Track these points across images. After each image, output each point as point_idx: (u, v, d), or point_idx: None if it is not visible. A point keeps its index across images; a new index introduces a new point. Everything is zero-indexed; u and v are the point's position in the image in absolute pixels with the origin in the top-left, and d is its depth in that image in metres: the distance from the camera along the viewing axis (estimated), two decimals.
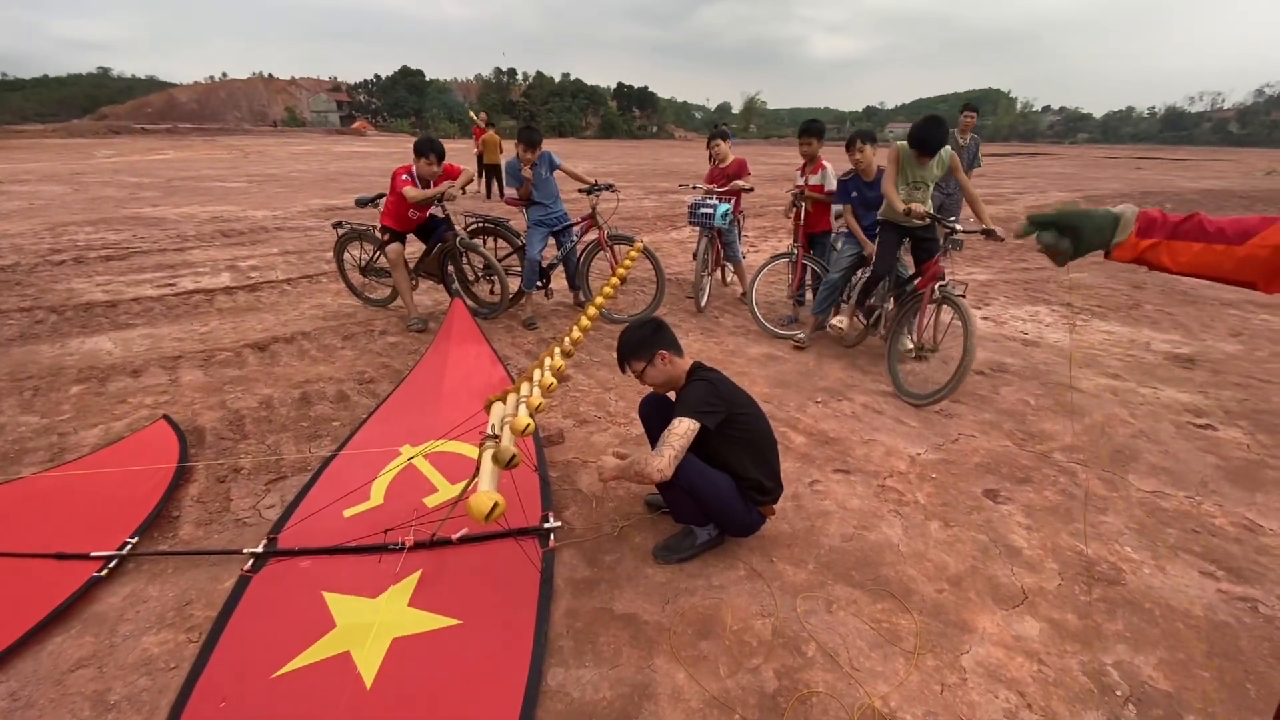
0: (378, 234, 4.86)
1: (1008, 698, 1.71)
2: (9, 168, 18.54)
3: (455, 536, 2.22)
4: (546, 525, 2.32)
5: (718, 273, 5.96)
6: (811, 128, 4.69)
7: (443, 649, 1.79)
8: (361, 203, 4.99)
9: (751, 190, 5.22)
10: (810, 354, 4.34)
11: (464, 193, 4.79)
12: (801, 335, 4.47)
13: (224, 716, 1.59)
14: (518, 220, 5.35)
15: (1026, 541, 2.38)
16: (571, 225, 5.05)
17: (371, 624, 1.86)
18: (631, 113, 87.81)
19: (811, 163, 4.75)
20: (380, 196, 4.87)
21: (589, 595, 2.07)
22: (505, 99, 78.19)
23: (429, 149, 4.39)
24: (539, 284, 5.07)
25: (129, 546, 2.22)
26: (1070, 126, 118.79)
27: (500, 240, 5.25)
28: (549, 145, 4.92)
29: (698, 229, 5.29)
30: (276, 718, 1.59)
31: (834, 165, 4.75)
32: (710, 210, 4.92)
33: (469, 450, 2.72)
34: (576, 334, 2.32)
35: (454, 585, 2.03)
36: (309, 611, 1.92)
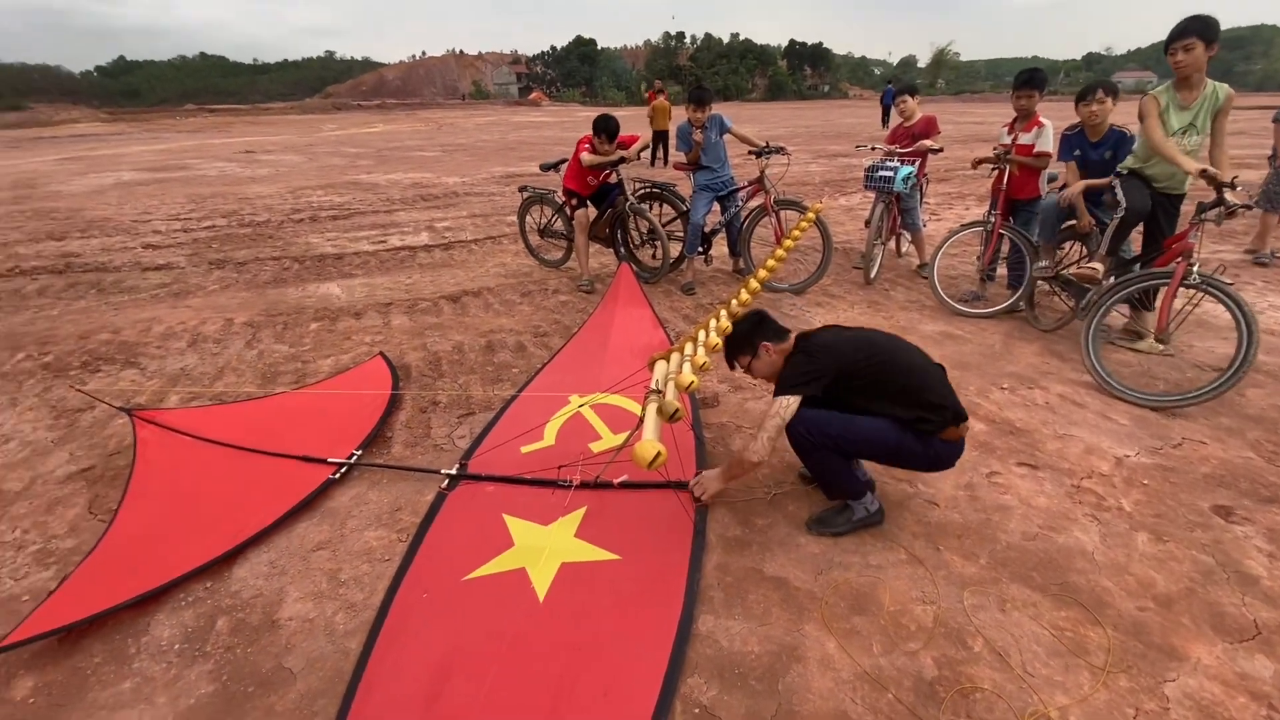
0: (558, 198, 5.18)
1: None
2: (259, 139, 22.30)
3: (617, 481, 2.37)
4: None
5: (891, 242, 5.56)
6: (1033, 78, 4.08)
7: (604, 578, 1.95)
8: (545, 167, 5.33)
9: (940, 151, 4.77)
10: (996, 334, 3.93)
11: (638, 158, 4.93)
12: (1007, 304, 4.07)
13: (426, 605, 1.87)
14: (684, 186, 5.38)
15: (1267, 571, 2.00)
16: (737, 190, 4.98)
17: (544, 548, 2.06)
18: (802, 72, 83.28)
19: (1025, 119, 4.16)
20: (562, 161, 5.17)
21: (740, 554, 2.11)
22: (673, 64, 77.83)
23: (602, 129, 4.60)
24: (700, 249, 5.10)
25: (355, 457, 2.66)
26: None
27: (665, 205, 5.34)
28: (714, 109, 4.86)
29: (873, 194, 4.95)
30: (466, 613, 1.84)
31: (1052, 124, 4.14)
32: (890, 174, 4.57)
33: (630, 405, 2.86)
34: (745, 296, 2.32)
35: (615, 525, 2.18)
36: (492, 529, 2.18)
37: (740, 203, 5.05)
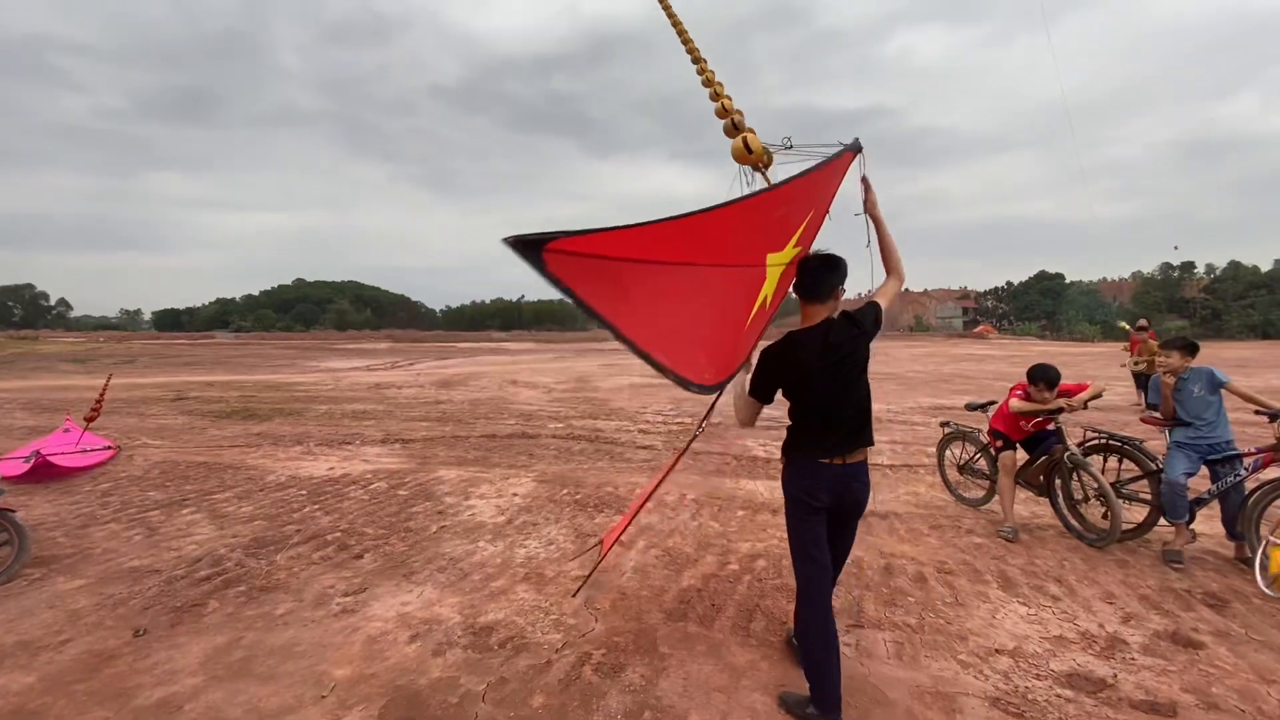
0: (982, 437, 5.13)
1: None
2: None
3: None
4: None
5: None
6: None
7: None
8: (971, 407, 5.41)
9: None
10: None
11: (1085, 406, 4.57)
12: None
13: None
14: (1158, 441, 4.64)
15: None
16: (1238, 455, 4.04)
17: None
18: None
19: None
20: (991, 403, 5.19)
21: None
22: (1173, 296, 65.04)
23: (1039, 378, 4.49)
24: (1183, 517, 4.16)
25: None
26: None
27: (1127, 461, 4.65)
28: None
29: None
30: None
31: None
32: None
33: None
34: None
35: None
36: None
37: (1244, 471, 4.05)
